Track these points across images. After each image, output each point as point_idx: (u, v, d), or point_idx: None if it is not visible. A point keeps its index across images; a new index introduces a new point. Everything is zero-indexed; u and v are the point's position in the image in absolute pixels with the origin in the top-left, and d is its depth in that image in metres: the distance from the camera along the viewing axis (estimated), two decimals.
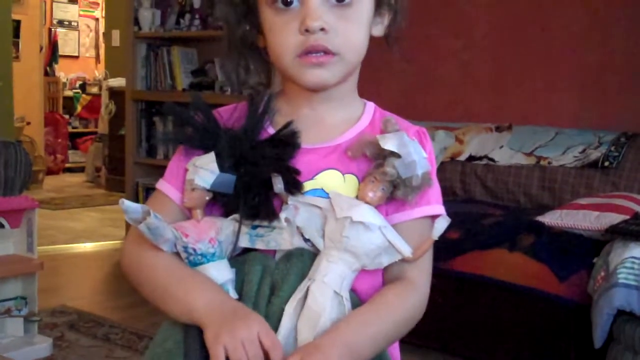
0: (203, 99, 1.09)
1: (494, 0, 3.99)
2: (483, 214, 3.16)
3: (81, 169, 8.35)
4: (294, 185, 1.02)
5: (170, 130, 1.19)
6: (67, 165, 8.62)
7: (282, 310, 0.97)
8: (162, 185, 1.12)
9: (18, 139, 6.44)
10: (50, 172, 8.03)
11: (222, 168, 1.02)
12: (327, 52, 1.03)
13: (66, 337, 3.11)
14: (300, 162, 1.05)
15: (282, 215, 1.00)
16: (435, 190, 1.10)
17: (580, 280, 2.56)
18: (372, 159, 1.04)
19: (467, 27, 4.07)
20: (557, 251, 2.67)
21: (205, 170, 1.02)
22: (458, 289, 2.77)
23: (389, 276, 1.07)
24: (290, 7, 1.04)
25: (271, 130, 1.08)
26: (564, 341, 2.63)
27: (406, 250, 1.01)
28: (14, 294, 2.86)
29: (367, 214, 1.00)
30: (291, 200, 1.01)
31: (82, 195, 7.14)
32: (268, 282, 1.00)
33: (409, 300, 1.05)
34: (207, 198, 1.04)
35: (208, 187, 1.02)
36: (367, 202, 1.01)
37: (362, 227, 0.99)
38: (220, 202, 1.05)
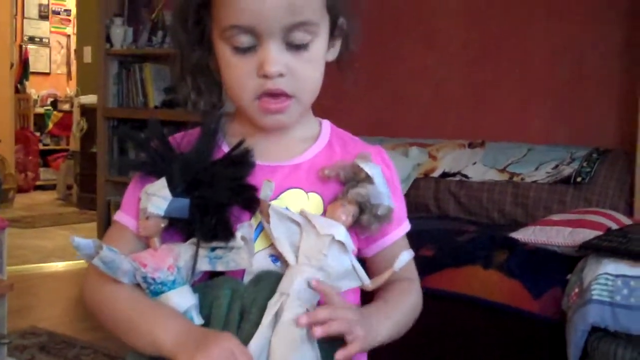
0: (159, 124, 1.07)
1: (467, 17, 4.01)
2: (457, 230, 3.15)
3: (52, 187, 8.27)
4: (252, 202, 1.02)
5: (125, 157, 1.18)
6: (38, 183, 8.53)
7: (253, 333, 0.95)
8: (119, 216, 1.10)
9: None
10: (21, 190, 7.94)
11: (174, 193, 1.00)
12: (284, 94, 1.03)
13: (37, 359, 3.06)
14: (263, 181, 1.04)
15: (239, 234, 0.99)
16: (404, 207, 1.16)
17: (554, 297, 2.56)
18: (342, 182, 1.05)
19: (440, 43, 4.08)
20: (530, 268, 2.67)
21: (157, 197, 1.00)
22: (432, 306, 2.75)
23: (392, 277, 1.08)
24: (246, 47, 1.02)
25: (227, 150, 1.08)
26: (539, 358, 2.62)
27: (367, 280, 1.03)
28: None
29: (345, 234, 1.00)
30: (272, 210, 1.00)
31: (53, 213, 7.07)
32: (238, 306, 0.98)
33: (414, 295, 1.14)
34: (163, 225, 1.02)
35: (162, 213, 1.00)
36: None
37: (339, 248, 0.99)
38: (178, 228, 1.03)
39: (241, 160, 1.04)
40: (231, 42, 1.03)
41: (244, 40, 1.02)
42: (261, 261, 1.03)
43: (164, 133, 1.06)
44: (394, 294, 1.10)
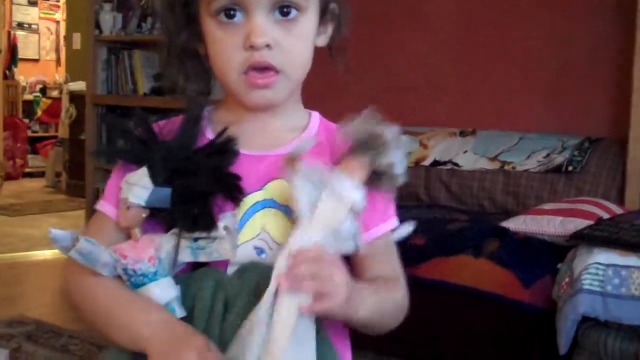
0: (143, 112, 1.05)
1: (458, 6, 4.00)
2: (448, 219, 3.15)
3: (41, 174, 8.22)
4: (235, 191, 0.99)
5: (106, 145, 1.15)
6: (26, 170, 8.48)
7: (237, 325, 0.93)
8: (101, 205, 1.08)
9: None
10: (9, 177, 7.89)
11: (156, 182, 0.98)
12: (271, 68, 1.01)
13: (23, 349, 3.03)
14: (248, 170, 1.02)
15: (221, 224, 0.96)
16: (391, 203, 1.11)
17: (544, 286, 2.56)
18: (358, 145, 0.99)
19: (431, 31, 4.06)
20: (521, 257, 2.67)
21: (138, 187, 0.97)
22: (422, 295, 2.74)
23: (377, 274, 1.06)
24: (233, 20, 1.01)
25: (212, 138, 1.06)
26: (529, 347, 2.62)
27: (362, 245, 0.98)
28: None
29: (363, 201, 0.96)
30: (302, 170, 0.95)
31: (42, 201, 7.02)
32: (221, 298, 0.96)
33: (398, 292, 1.07)
34: (144, 215, 0.99)
35: (143, 203, 0.98)
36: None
37: (355, 215, 0.95)
38: (159, 218, 1.00)
39: (225, 149, 1.01)
40: (217, 15, 1.01)
41: (231, 11, 1.00)
42: (246, 253, 1.01)
43: (148, 120, 1.04)
44: (380, 285, 1.05)
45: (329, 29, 1.12)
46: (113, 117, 1.05)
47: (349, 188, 0.94)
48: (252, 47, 0.99)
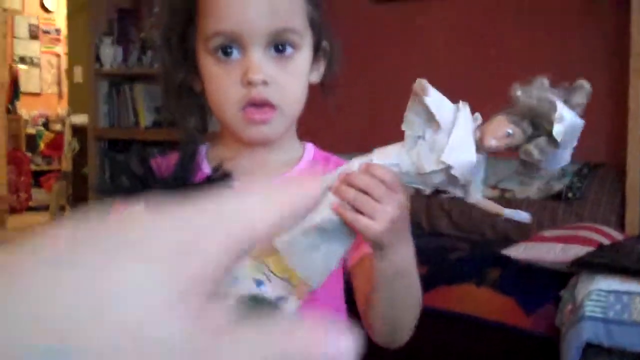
0: (142, 147, 1.07)
1: (455, 32, 4.03)
2: (449, 247, 3.15)
3: (45, 208, 8.22)
4: None
5: (104, 181, 1.16)
6: (30, 204, 8.50)
7: None
8: None
9: None
10: (13, 211, 7.91)
11: None
12: (268, 104, 1.03)
13: None
14: None
15: None
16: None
17: (547, 313, 2.56)
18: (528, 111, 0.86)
19: (428, 58, 4.10)
20: (523, 284, 2.68)
21: None
22: (425, 324, 2.74)
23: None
24: (230, 58, 1.03)
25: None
26: None
27: (474, 199, 0.90)
28: None
29: (468, 170, 0.84)
30: (424, 95, 0.86)
31: None
32: None
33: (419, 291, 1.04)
34: None
35: None
36: (483, 145, 0.85)
37: (452, 176, 0.84)
38: None
39: (220, 185, 1.03)
40: (215, 52, 1.03)
41: (228, 48, 1.02)
42: (245, 286, 1.02)
43: (147, 157, 1.06)
44: None
45: (321, 67, 1.14)
46: (114, 154, 1.05)
47: (455, 148, 0.83)
48: (249, 84, 1.01)
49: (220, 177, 1.03)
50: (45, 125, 9.28)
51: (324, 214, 0.86)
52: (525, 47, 3.80)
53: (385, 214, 0.87)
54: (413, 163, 0.86)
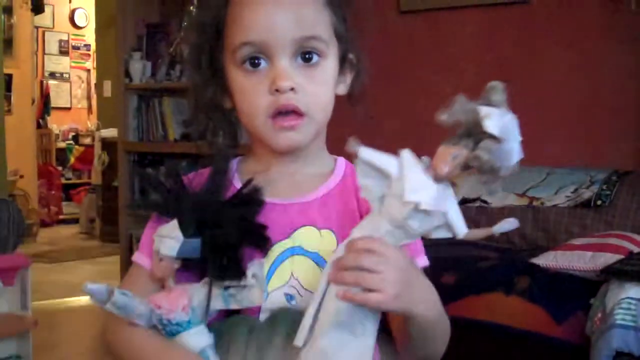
0: (175, 163, 1.09)
1: (483, 45, 4.03)
2: (478, 257, 3.14)
3: (75, 221, 8.32)
4: (262, 241, 1.02)
5: (140, 198, 1.19)
6: (61, 217, 8.60)
7: None
8: (137, 257, 1.12)
9: (11, 192, 6.44)
10: (44, 224, 8.01)
11: (186, 233, 1.01)
12: (297, 111, 1.05)
13: None
14: (275, 219, 1.05)
15: (249, 273, 1.00)
16: (419, 242, 1.11)
17: (577, 322, 2.54)
18: (464, 129, 0.90)
19: (455, 68, 4.09)
20: (553, 293, 2.66)
21: (169, 239, 1.01)
22: (454, 334, 2.74)
23: None
24: (258, 69, 1.05)
25: None
26: None
27: (461, 233, 0.92)
28: (8, 353, 2.83)
29: (436, 200, 0.88)
30: (360, 157, 0.91)
31: (77, 247, 7.12)
32: (254, 345, 0.99)
33: (447, 320, 1.07)
34: (176, 266, 1.03)
35: (174, 255, 1.01)
36: (438, 175, 0.89)
37: (426, 213, 0.89)
38: (191, 268, 1.04)
39: (250, 200, 1.05)
40: (243, 64, 1.06)
41: (256, 59, 1.05)
42: (277, 300, 1.04)
43: (179, 173, 1.08)
44: None
45: (348, 78, 1.16)
46: (145, 170, 1.07)
47: (413, 187, 0.88)
48: (277, 91, 1.03)
49: (249, 192, 1.05)
50: (75, 139, 9.39)
51: (335, 307, 0.89)
52: (555, 64, 3.78)
53: (389, 281, 0.90)
54: (387, 221, 0.90)
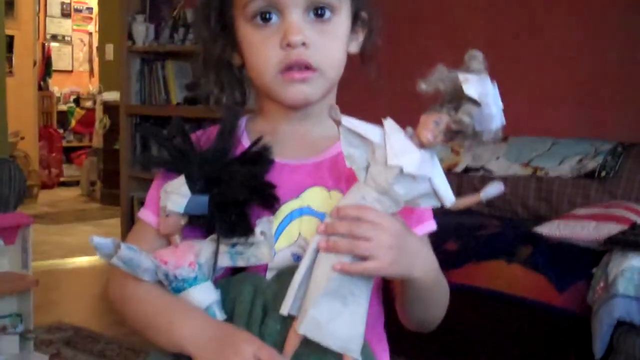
0: (181, 121, 1.07)
1: (489, 13, 4.00)
2: (480, 225, 3.14)
3: (76, 183, 8.32)
4: (270, 200, 1.00)
5: (146, 154, 1.17)
6: (61, 179, 8.59)
7: (276, 329, 0.95)
8: (142, 213, 1.10)
9: (12, 154, 6.43)
10: (44, 186, 8.00)
11: (193, 190, 0.99)
12: (308, 67, 1.03)
13: (62, 354, 3.09)
14: (284, 179, 1.03)
15: (258, 230, 0.98)
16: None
17: (579, 291, 2.55)
18: (443, 97, 0.91)
19: (462, 39, 4.06)
20: (555, 262, 2.67)
21: (176, 195, 0.99)
22: (456, 301, 2.75)
23: None
24: (269, 23, 1.03)
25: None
26: (564, 352, 2.61)
27: (448, 201, 0.92)
28: (9, 311, 2.83)
29: (420, 164, 0.89)
30: (343, 124, 0.92)
31: (77, 209, 7.12)
32: (260, 303, 0.97)
33: (446, 284, 1.06)
34: (183, 222, 1.01)
35: (181, 211, 1.00)
36: (423, 143, 0.90)
37: (411, 178, 0.89)
38: (198, 225, 1.02)
39: (259, 158, 1.03)
40: (254, 18, 1.03)
41: (267, 13, 1.02)
42: (284, 260, 1.02)
43: (186, 130, 1.06)
44: None
45: (360, 37, 1.13)
46: (150, 126, 1.05)
47: (396, 152, 0.89)
48: (288, 46, 1.01)
49: (258, 150, 1.03)
50: (77, 102, 9.36)
51: (326, 276, 0.88)
52: (562, 35, 3.76)
53: (383, 248, 0.89)
54: (373, 188, 0.90)
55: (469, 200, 0.94)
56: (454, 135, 0.89)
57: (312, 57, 1.02)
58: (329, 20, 1.04)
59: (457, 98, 0.88)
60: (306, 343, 0.91)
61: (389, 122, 0.92)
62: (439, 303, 1.06)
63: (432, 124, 0.89)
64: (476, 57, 0.92)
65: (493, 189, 0.92)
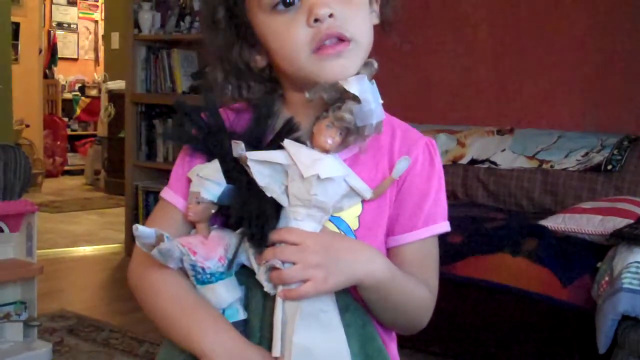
0: (214, 98, 1.04)
1: (495, 5, 3.98)
2: (485, 217, 3.14)
3: (80, 172, 8.33)
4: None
5: (173, 129, 1.12)
6: (66, 168, 8.59)
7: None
8: (166, 193, 1.07)
9: (17, 141, 6.43)
10: (49, 174, 8.01)
11: (225, 174, 0.97)
12: (341, 38, 0.99)
13: (66, 342, 3.09)
14: None
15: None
16: (442, 208, 1.06)
17: (583, 285, 2.55)
18: (327, 104, 0.97)
19: (469, 31, 4.06)
20: (560, 256, 2.66)
21: (211, 182, 0.97)
22: (460, 293, 2.76)
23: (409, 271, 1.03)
24: (291, 7, 0.99)
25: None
26: (568, 346, 2.61)
27: (367, 193, 0.98)
28: (14, 299, 2.83)
29: (332, 167, 0.94)
30: (250, 161, 0.93)
31: (81, 198, 7.12)
32: (272, 305, 0.95)
33: (423, 292, 1.04)
34: (213, 211, 0.98)
35: (215, 200, 0.97)
36: (325, 149, 0.95)
37: (329, 181, 0.93)
38: (226, 214, 0.99)
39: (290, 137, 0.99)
40: (274, 7, 0.99)
41: None
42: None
43: (217, 108, 1.03)
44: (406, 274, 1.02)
45: (375, 7, 1.09)
46: (182, 103, 1.03)
47: (307, 164, 0.93)
48: (316, 21, 0.97)
49: (289, 130, 1.00)
50: (82, 90, 9.35)
51: (295, 303, 0.92)
52: (568, 28, 3.74)
53: (309, 268, 0.92)
54: (300, 205, 0.94)
55: (384, 185, 1.01)
56: (348, 132, 0.95)
57: (342, 27, 0.98)
58: None
59: (340, 100, 0.95)
60: None
61: (288, 142, 0.95)
62: (408, 307, 1.03)
63: (325, 128, 0.95)
64: (371, 65, 1.02)
65: (402, 165, 0.99)
